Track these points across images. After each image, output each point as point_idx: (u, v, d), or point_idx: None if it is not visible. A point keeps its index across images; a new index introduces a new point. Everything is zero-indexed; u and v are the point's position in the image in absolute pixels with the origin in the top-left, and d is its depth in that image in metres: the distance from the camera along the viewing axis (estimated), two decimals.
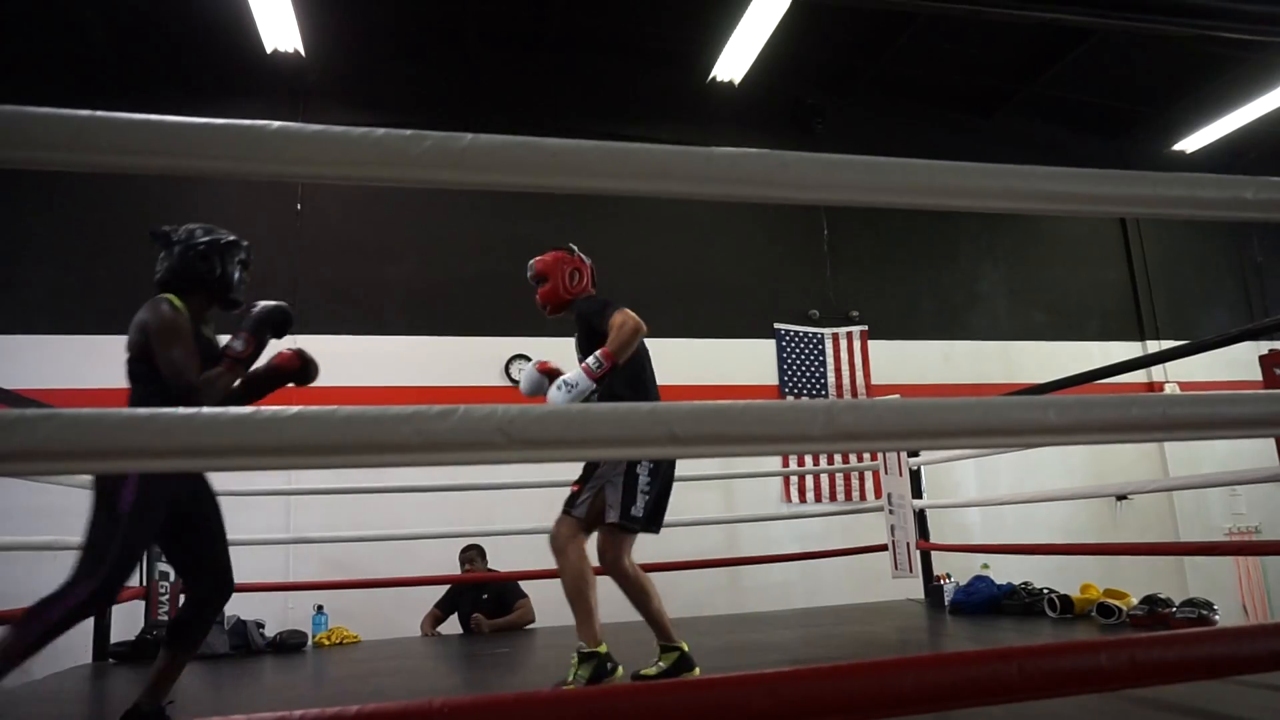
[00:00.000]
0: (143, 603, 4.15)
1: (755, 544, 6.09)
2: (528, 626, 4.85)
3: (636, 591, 2.85)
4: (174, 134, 0.93)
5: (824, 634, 4.05)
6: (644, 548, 5.69)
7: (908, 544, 4.89)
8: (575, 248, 3.13)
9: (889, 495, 5.10)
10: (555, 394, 2.68)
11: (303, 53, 6.12)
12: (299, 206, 6.43)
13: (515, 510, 4.98)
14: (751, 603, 5.84)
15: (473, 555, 5.04)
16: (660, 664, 2.83)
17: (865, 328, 7.31)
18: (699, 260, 7.19)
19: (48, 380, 5.46)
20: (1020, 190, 1.27)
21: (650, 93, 7.25)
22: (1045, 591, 4.11)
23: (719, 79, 6.85)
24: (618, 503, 2.76)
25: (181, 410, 0.97)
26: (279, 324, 2.49)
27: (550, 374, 3.04)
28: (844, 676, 1.09)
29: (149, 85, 6.21)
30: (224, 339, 2.45)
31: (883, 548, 5.12)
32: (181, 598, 4.24)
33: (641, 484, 2.77)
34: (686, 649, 2.83)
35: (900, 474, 4.98)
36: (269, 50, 6.05)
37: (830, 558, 5.50)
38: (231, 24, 5.84)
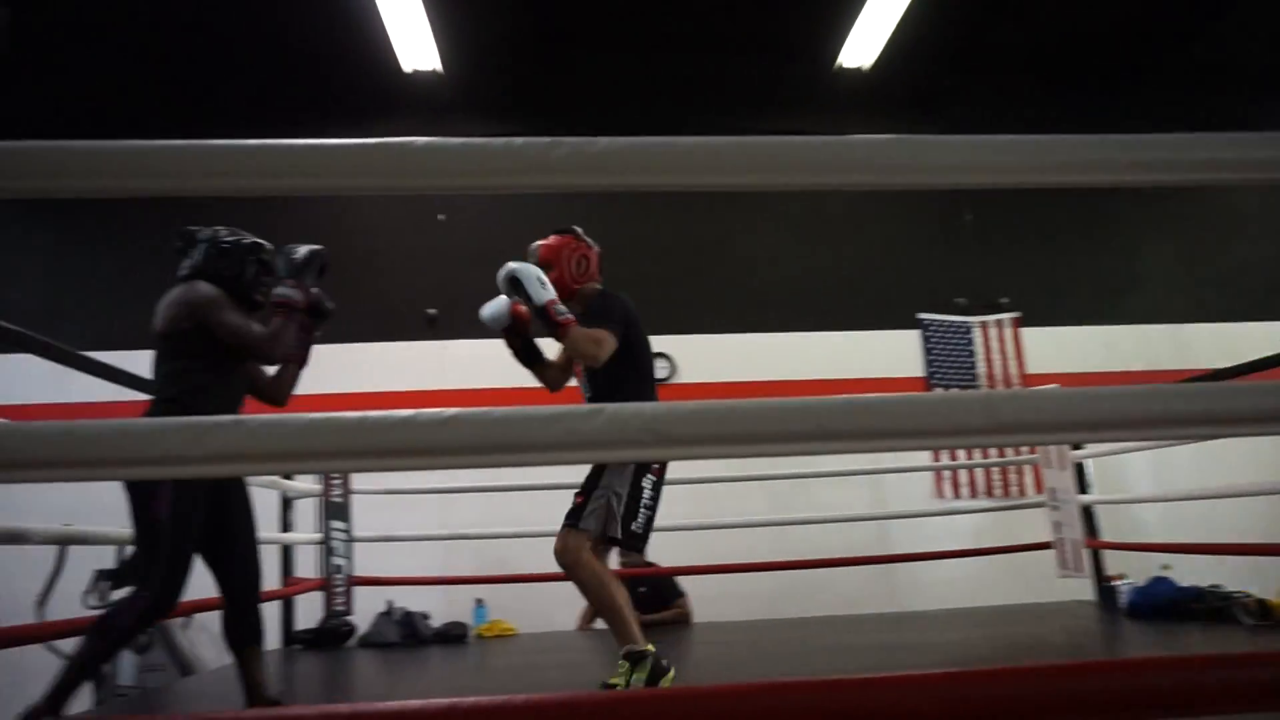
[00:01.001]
0: (322, 593, 4.46)
1: (907, 541, 5.90)
2: (685, 611, 4.91)
3: (595, 593, 2.69)
4: (332, 156, 1.00)
5: (985, 636, 3.87)
6: (794, 543, 5.62)
7: (1074, 542, 4.61)
8: (581, 231, 2.98)
9: (1051, 490, 4.82)
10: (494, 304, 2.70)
11: (440, 70, 6.39)
12: (440, 218, 6.73)
13: (671, 506, 5.04)
14: (905, 602, 5.66)
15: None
16: (623, 673, 2.61)
17: (1017, 314, 6.92)
18: (835, 251, 7.03)
19: None
20: (1184, 161, 1.17)
21: (779, 85, 7.13)
22: (1239, 595, 3.72)
23: (845, 66, 6.68)
24: (619, 517, 2.65)
25: (352, 415, 1.04)
26: (320, 266, 2.56)
27: (519, 316, 2.82)
28: (1014, 680, 1.03)
29: (294, 113, 6.64)
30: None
31: (1046, 545, 4.84)
32: (352, 591, 4.55)
33: (645, 499, 2.69)
34: (652, 648, 2.64)
35: (1063, 468, 4.70)
36: (408, 71, 6.35)
37: (989, 555, 5.26)
38: (371, 48, 6.16)
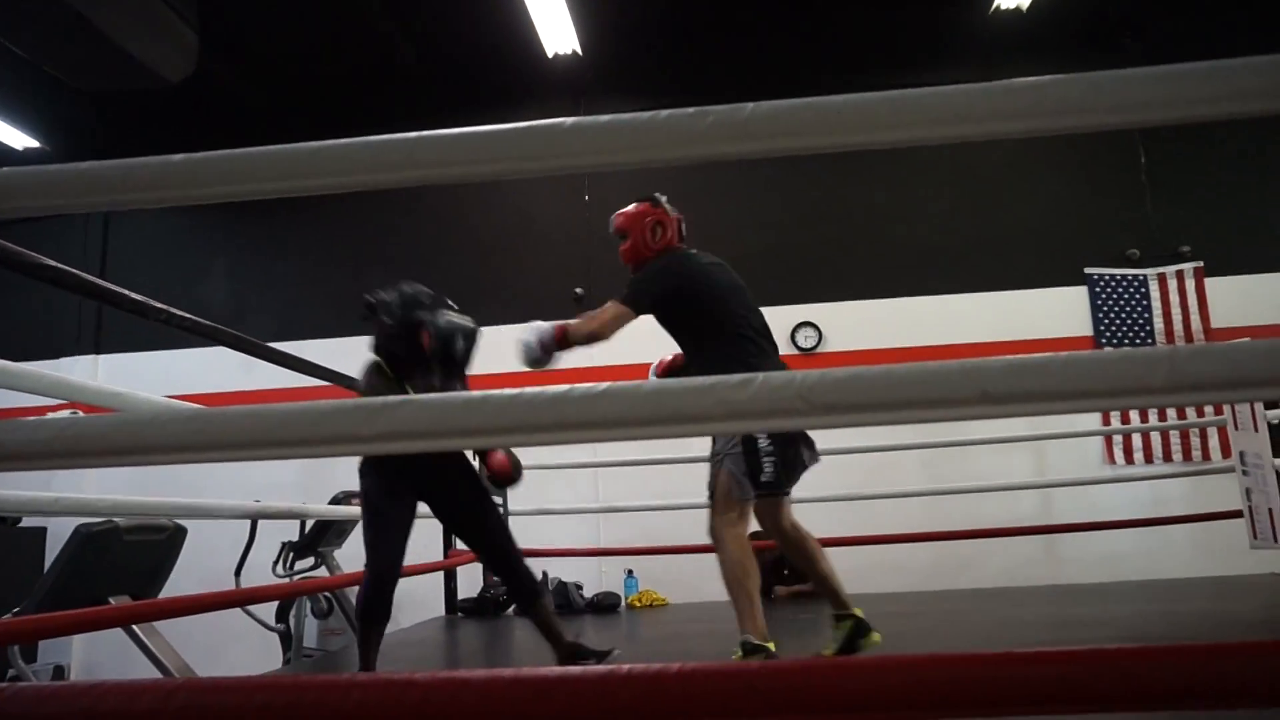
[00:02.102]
0: (481, 565, 4.68)
1: (1074, 510, 5.57)
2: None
3: (800, 555, 2.67)
4: (489, 142, 1.03)
5: (1164, 610, 3.61)
6: (950, 513, 5.43)
7: (1270, 510, 4.21)
8: (662, 198, 2.86)
9: (1240, 454, 4.41)
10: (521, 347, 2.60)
11: (580, 52, 6.47)
12: (586, 198, 6.84)
13: (823, 477, 4.94)
14: (1072, 574, 5.36)
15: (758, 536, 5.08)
16: (835, 636, 2.61)
17: (1199, 264, 6.34)
18: (994, 206, 6.67)
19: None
20: None
21: (931, 35, 6.80)
22: None
23: (1003, 7, 6.28)
24: (744, 475, 2.56)
25: (508, 391, 1.07)
26: (468, 337, 2.62)
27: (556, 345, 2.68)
28: (1208, 658, 0.95)
29: (447, 102, 6.90)
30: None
31: (1237, 514, 4.45)
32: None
33: (763, 447, 2.55)
34: (861, 614, 2.60)
35: (1255, 429, 4.29)
36: (550, 55, 6.46)
37: (1168, 525, 4.89)
38: (516, 36, 6.32)
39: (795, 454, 2.64)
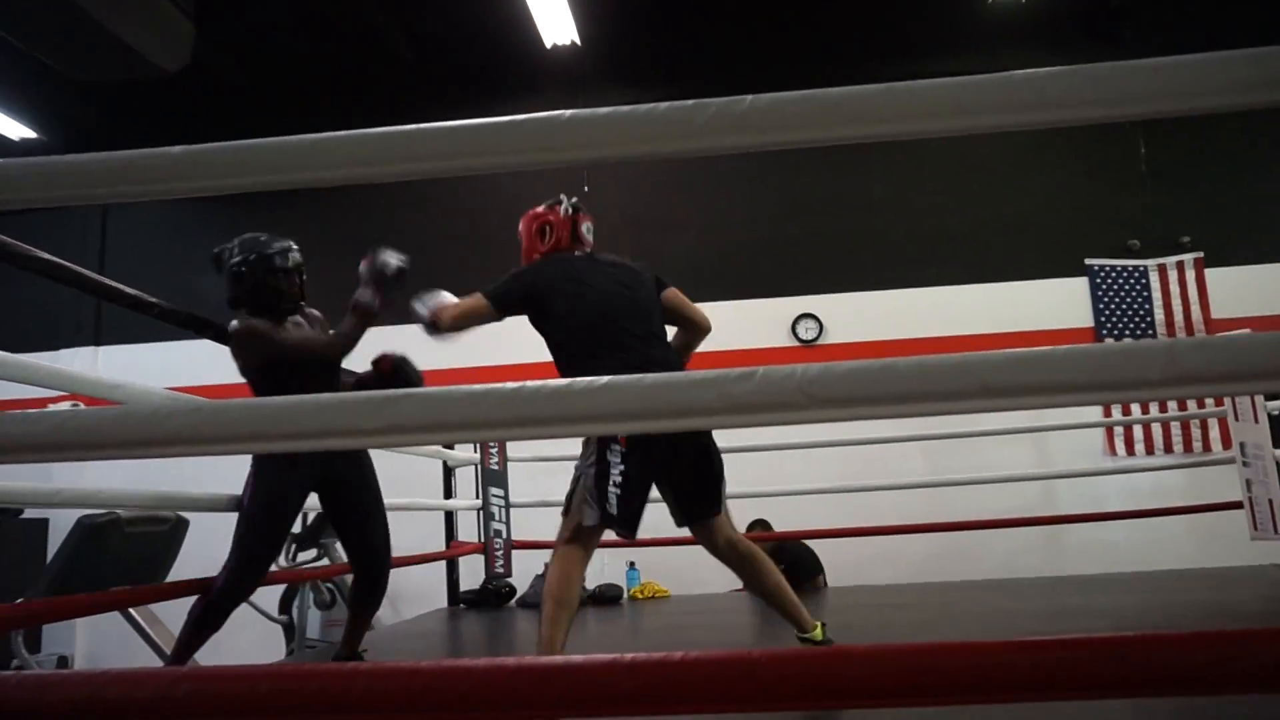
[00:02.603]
0: (482, 557, 4.69)
1: (1075, 501, 5.59)
2: (819, 587, 4.87)
3: (744, 572, 2.57)
4: (486, 135, 1.03)
5: (1163, 601, 3.63)
6: (949, 504, 5.43)
7: (1270, 501, 4.22)
8: (565, 198, 2.72)
9: (1241, 445, 4.42)
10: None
11: (579, 43, 6.45)
12: (585, 189, 6.82)
13: (821, 467, 4.94)
14: (1072, 565, 5.37)
15: (755, 528, 5.04)
16: None
17: (1199, 255, 6.34)
18: (992, 198, 6.66)
19: None
20: None
21: (930, 26, 6.79)
22: None
23: None
24: (591, 500, 2.37)
25: (510, 385, 1.07)
26: (399, 276, 2.62)
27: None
28: (1206, 645, 0.95)
29: (444, 93, 6.88)
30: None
31: (1237, 505, 4.46)
32: (511, 554, 4.76)
33: (614, 476, 2.33)
34: (820, 636, 2.47)
35: (1256, 420, 4.30)
36: (549, 45, 6.45)
37: (1168, 516, 4.90)
38: (514, 26, 6.30)
39: (639, 503, 2.42)
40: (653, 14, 6.91)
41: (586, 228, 2.71)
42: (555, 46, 6.48)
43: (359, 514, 2.73)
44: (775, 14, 6.92)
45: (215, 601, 2.54)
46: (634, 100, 1.06)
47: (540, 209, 2.71)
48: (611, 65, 6.94)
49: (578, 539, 2.41)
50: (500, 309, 2.53)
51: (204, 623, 2.55)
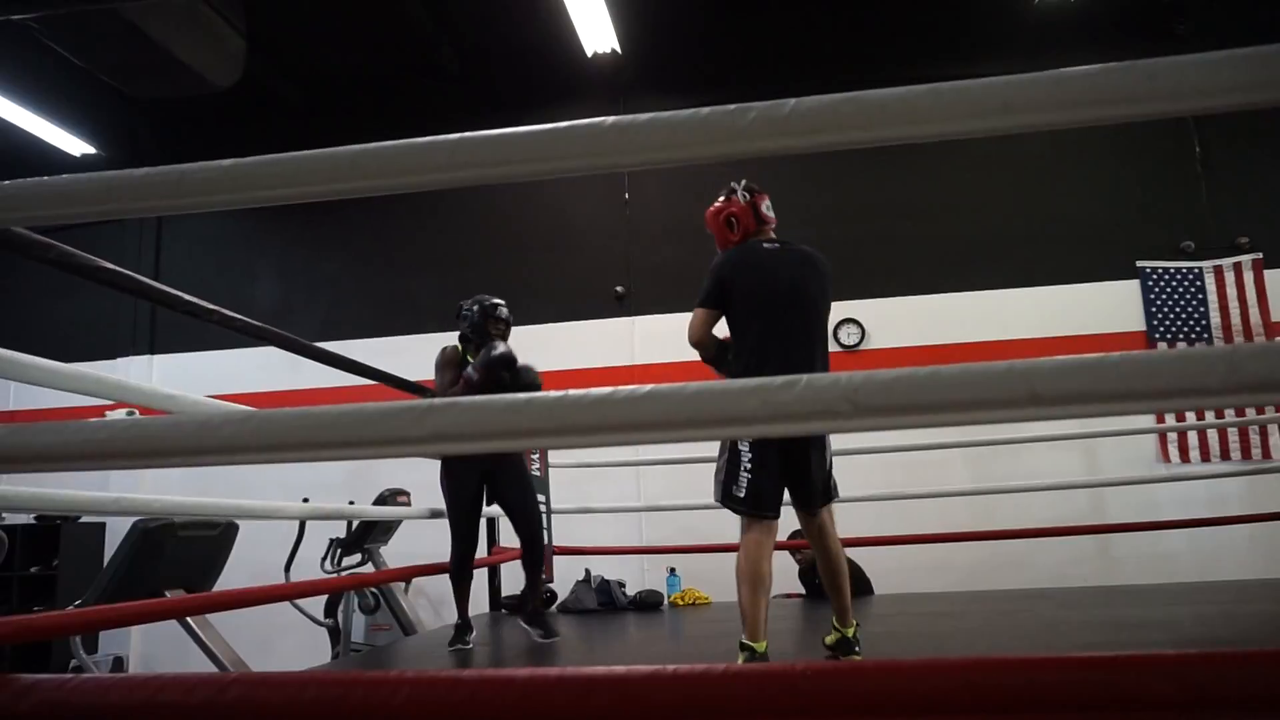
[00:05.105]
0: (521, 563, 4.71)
1: (1126, 510, 5.45)
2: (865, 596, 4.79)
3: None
4: (533, 142, 1.03)
5: (1223, 612, 3.51)
6: (995, 512, 5.33)
7: None
8: (737, 186, 2.83)
9: None
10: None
11: (619, 51, 6.48)
12: (626, 196, 6.84)
13: (866, 475, 4.88)
14: (1125, 575, 5.24)
15: (798, 537, 5.00)
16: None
17: (1258, 255, 6.14)
18: (1042, 198, 6.52)
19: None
20: None
21: (976, 25, 6.69)
22: None
23: None
24: (721, 483, 2.64)
25: (553, 394, 1.08)
26: (506, 363, 3.46)
27: None
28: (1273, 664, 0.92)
29: (487, 104, 6.95)
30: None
31: None
32: (552, 559, 4.77)
33: (744, 462, 2.56)
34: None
35: None
36: (590, 54, 6.48)
37: (1227, 525, 4.75)
38: (555, 36, 6.34)
39: (771, 487, 2.60)
40: (692, 20, 6.91)
41: (766, 206, 2.87)
42: (596, 55, 6.51)
43: (518, 500, 3.62)
44: (816, 19, 6.88)
45: (455, 570, 3.56)
46: (676, 107, 1.06)
47: (719, 203, 2.82)
48: (652, 72, 6.95)
49: (747, 528, 2.61)
50: (713, 307, 2.68)
51: (458, 580, 3.56)
